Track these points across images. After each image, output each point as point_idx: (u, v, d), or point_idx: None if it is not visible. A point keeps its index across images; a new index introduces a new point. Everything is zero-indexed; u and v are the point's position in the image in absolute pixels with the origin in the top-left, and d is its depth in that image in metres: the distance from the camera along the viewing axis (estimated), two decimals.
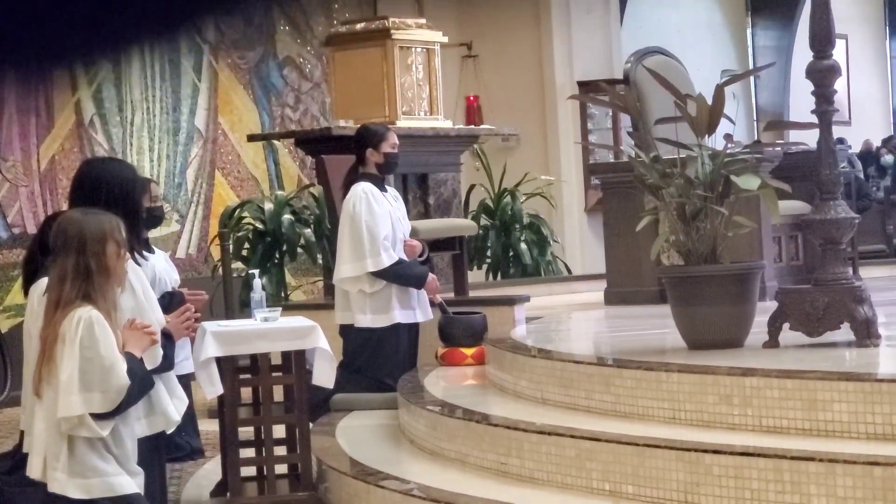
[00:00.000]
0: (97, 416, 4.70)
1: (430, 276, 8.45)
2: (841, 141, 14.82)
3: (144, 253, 7.31)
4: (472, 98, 12.99)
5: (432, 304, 8.52)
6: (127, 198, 5.41)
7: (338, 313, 8.44)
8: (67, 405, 4.66)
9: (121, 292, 4.94)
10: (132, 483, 4.78)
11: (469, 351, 8.22)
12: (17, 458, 6.16)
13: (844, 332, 6.01)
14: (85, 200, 5.34)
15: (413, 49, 10.66)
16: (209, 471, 7.55)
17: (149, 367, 4.89)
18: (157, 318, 5.31)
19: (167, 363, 5.30)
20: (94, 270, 4.75)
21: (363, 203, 8.26)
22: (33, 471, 4.82)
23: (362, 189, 8.33)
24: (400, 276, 8.30)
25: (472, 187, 12.48)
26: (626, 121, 13.60)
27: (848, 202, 6.43)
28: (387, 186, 8.60)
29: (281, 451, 6.75)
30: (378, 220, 8.25)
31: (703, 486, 4.90)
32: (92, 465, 4.73)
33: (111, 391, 4.70)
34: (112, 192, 5.34)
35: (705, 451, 4.93)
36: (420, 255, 8.55)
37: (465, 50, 15.11)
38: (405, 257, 8.42)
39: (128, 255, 4.93)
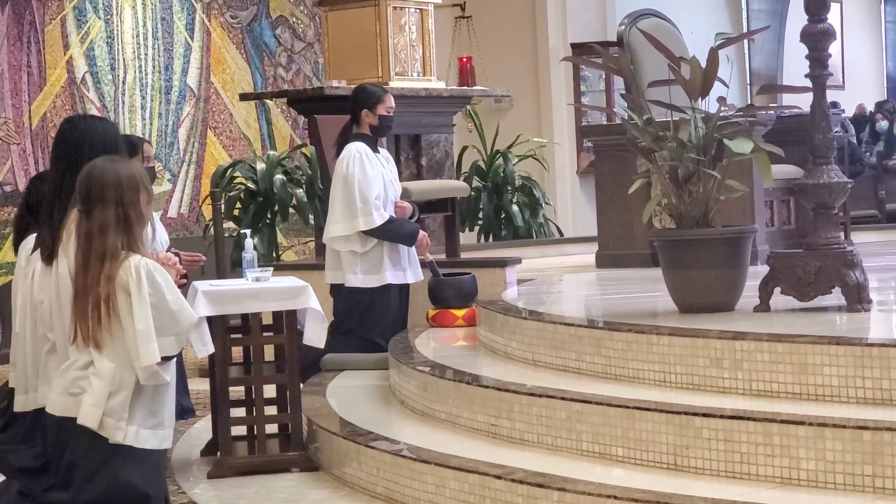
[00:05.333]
0: (161, 361, 4.79)
1: (422, 233, 8.44)
2: (834, 105, 14.79)
3: None
4: (465, 59, 12.91)
5: (423, 263, 8.51)
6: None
7: (328, 273, 8.44)
8: (149, 353, 4.73)
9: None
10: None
11: (460, 312, 8.22)
12: (8, 415, 6.16)
13: (835, 297, 6.02)
14: (68, 158, 5.32)
15: (406, 9, 10.62)
16: (200, 430, 7.56)
17: None
18: None
19: None
20: (134, 220, 4.82)
21: (356, 163, 8.24)
22: (89, 419, 4.84)
23: (356, 149, 8.31)
24: (391, 233, 8.29)
25: (464, 149, 12.45)
26: (619, 83, 13.55)
27: (840, 167, 6.43)
28: (379, 148, 8.58)
29: (271, 410, 6.76)
30: (370, 180, 8.24)
31: (693, 448, 4.91)
32: (153, 413, 4.82)
33: (183, 332, 4.80)
34: (95, 150, 5.31)
35: (695, 414, 4.94)
36: (410, 217, 8.54)
37: (459, 11, 15.04)
38: None
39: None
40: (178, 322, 4.79)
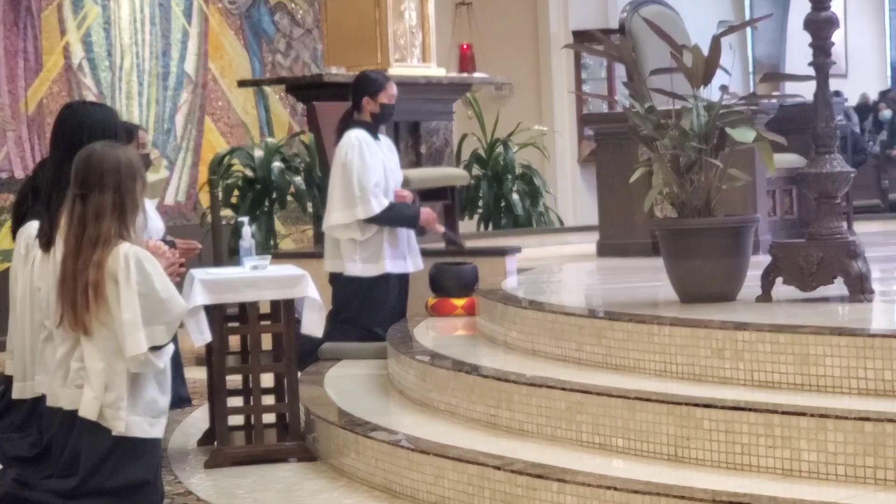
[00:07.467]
0: (152, 350, 4.76)
1: (427, 209, 8.42)
2: (837, 94, 14.78)
3: None
4: (465, 46, 12.87)
5: (428, 236, 8.46)
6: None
7: (327, 261, 8.41)
8: (135, 343, 4.71)
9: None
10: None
11: (459, 301, 8.20)
12: (4, 404, 6.14)
13: (838, 287, 6.00)
14: (67, 144, 5.30)
15: None
16: (196, 419, 7.54)
17: None
18: None
19: None
20: (129, 207, 4.80)
21: (355, 151, 8.21)
22: (89, 411, 4.83)
23: (355, 136, 8.27)
24: (393, 219, 8.27)
25: (464, 136, 12.41)
26: (620, 71, 13.51)
27: (843, 156, 6.40)
28: (380, 135, 8.54)
29: (269, 400, 6.73)
30: (369, 168, 8.21)
31: (694, 439, 4.89)
32: (154, 401, 4.80)
33: (173, 320, 4.78)
34: (94, 136, 5.29)
35: (696, 404, 4.92)
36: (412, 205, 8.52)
37: None
38: None
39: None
40: (168, 311, 4.77)
